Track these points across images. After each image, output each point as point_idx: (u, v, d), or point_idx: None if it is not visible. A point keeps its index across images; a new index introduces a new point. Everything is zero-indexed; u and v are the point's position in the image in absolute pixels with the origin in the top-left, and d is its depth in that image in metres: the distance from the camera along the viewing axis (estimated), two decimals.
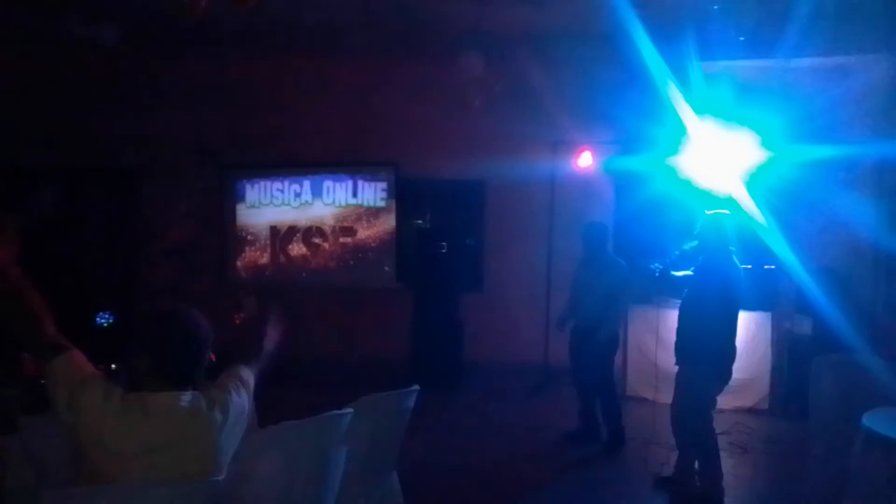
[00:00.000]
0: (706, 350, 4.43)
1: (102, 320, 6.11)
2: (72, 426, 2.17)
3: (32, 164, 8.19)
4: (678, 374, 4.60)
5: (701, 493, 4.54)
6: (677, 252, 4.76)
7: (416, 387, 3.42)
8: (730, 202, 5.59)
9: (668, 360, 5.00)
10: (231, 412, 2.33)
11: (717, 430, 4.80)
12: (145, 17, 6.96)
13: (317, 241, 8.54)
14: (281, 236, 8.59)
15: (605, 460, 5.48)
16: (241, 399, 2.41)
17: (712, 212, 4.70)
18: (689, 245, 4.68)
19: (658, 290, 5.66)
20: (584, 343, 5.65)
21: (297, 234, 8.56)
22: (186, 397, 2.25)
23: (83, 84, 7.62)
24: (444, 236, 8.03)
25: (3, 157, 8.10)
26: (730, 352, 4.48)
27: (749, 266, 4.81)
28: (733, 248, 4.57)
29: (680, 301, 4.73)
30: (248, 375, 2.52)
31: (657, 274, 4.74)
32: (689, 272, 4.68)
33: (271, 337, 2.67)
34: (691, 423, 4.53)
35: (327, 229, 8.52)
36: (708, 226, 4.60)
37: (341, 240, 8.53)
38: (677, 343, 4.62)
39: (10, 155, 8.11)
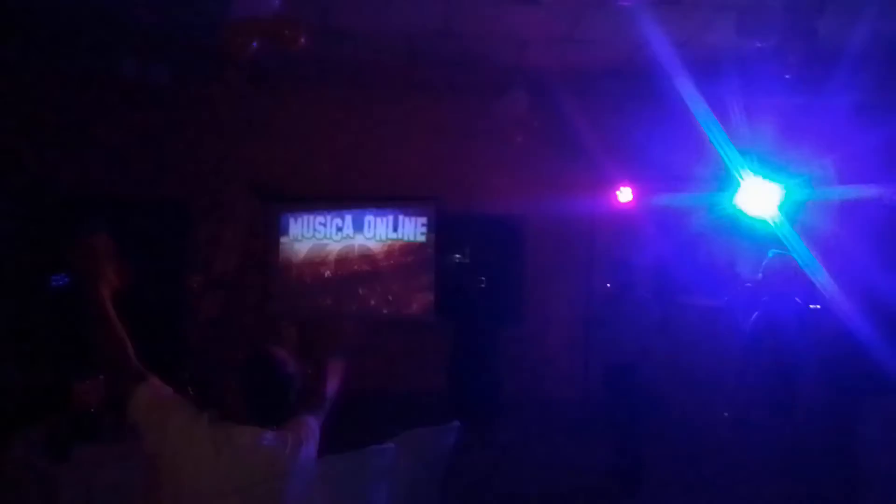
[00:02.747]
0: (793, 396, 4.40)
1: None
2: (156, 453, 2.18)
3: (83, 195, 8.44)
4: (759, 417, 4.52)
5: None
6: (743, 289, 4.74)
7: (457, 423, 3.43)
8: (775, 240, 5.54)
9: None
10: (301, 460, 2.33)
11: None
12: (195, 55, 7.18)
13: (358, 274, 8.62)
14: (322, 270, 8.68)
15: (647, 496, 5.39)
16: (310, 449, 2.41)
17: (778, 252, 4.67)
18: (751, 283, 4.67)
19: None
20: (622, 380, 5.61)
21: (339, 268, 8.65)
22: (269, 436, 2.26)
23: (134, 118, 7.86)
24: (483, 271, 8.05)
25: (54, 188, 8.36)
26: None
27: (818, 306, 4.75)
28: (797, 291, 4.55)
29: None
30: (315, 424, 2.51)
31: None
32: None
33: (333, 384, 2.69)
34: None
35: (368, 263, 8.60)
36: (774, 266, 4.57)
37: (382, 273, 8.59)
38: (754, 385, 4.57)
39: (61, 186, 8.38)
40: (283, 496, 2.26)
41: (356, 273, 8.61)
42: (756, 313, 4.58)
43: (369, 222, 8.61)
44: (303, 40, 5.28)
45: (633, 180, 7.59)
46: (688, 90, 6.17)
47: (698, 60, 6.07)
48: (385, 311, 8.55)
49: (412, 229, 8.54)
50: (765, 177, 5.95)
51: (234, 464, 2.17)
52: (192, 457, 2.14)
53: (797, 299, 4.49)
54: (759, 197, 5.99)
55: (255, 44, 5.22)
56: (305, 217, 8.70)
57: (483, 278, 7.99)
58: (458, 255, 8.61)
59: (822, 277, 5.56)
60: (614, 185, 7.68)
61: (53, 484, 2.96)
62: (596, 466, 5.89)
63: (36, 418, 3.42)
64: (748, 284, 4.67)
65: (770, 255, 4.62)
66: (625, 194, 7.65)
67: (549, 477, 5.93)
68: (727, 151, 6.16)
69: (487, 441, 6.68)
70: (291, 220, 8.72)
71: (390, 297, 8.55)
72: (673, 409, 6.87)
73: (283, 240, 8.71)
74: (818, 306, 5.40)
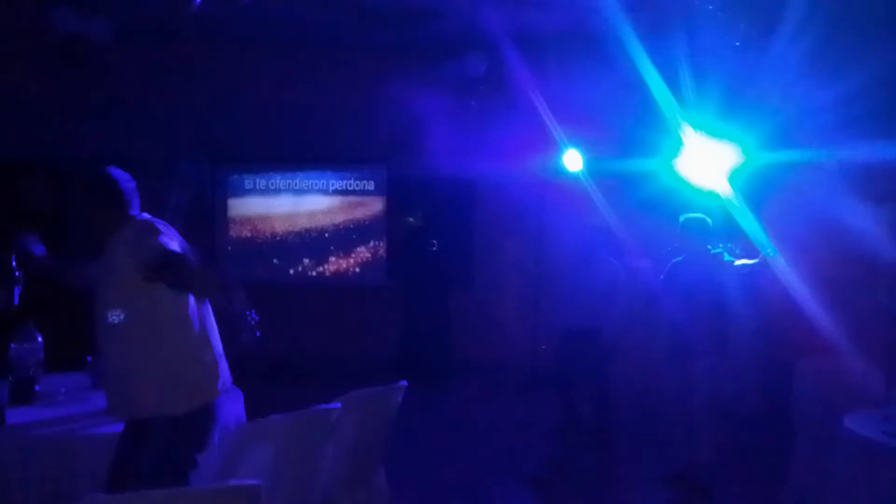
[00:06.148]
0: (706, 348, 4.52)
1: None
2: None
3: (20, 157, 8.15)
4: (689, 369, 4.64)
5: (708, 489, 4.62)
6: (666, 251, 4.84)
7: (404, 383, 3.44)
8: (717, 204, 5.64)
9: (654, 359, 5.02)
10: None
11: None
12: (139, 9, 6.94)
13: (307, 237, 8.54)
14: (271, 232, 8.58)
15: (597, 458, 5.52)
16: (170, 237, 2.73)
17: (692, 216, 4.80)
18: (672, 247, 4.79)
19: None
20: (579, 343, 5.68)
21: (288, 230, 8.57)
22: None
23: (74, 76, 7.58)
24: (434, 234, 8.05)
25: None
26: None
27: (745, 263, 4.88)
28: (715, 249, 4.67)
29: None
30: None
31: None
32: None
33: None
34: (706, 419, 4.60)
35: (318, 225, 8.52)
36: (689, 228, 4.70)
37: (332, 236, 8.53)
38: (677, 342, 4.69)
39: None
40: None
41: (306, 235, 8.53)
42: (665, 271, 4.74)
43: (320, 184, 8.53)
44: None
45: (583, 145, 7.61)
46: (638, 54, 6.19)
47: (649, 24, 6.08)
48: (335, 274, 8.51)
49: (363, 191, 8.49)
50: (711, 141, 6.03)
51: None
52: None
53: (717, 257, 4.62)
54: (705, 161, 6.07)
55: None
56: (254, 178, 8.57)
57: (435, 241, 7.99)
58: (410, 218, 8.56)
59: (763, 240, 5.69)
60: (565, 149, 7.70)
61: None
62: (546, 427, 5.98)
63: None
64: (673, 245, 4.79)
65: (682, 218, 4.77)
66: (575, 158, 7.68)
67: (498, 437, 6.02)
68: (676, 117, 6.22)
69: (438, 402, 6.75)
70: (240, 181, 8.58)
71: (340, 260, 8.51)
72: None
73: (230, 201, 8.57)
74: (756, 260, 5.51)
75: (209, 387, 2.71)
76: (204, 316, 2.76)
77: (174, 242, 2.66)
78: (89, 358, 3.55)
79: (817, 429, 4.01)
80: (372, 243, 8.47)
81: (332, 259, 8.52)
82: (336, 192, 8.54)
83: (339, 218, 8.51)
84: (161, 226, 2.72)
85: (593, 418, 5.75)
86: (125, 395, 2.65)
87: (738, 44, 6.25)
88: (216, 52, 8.18)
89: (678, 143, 6.24)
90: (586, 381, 5.78)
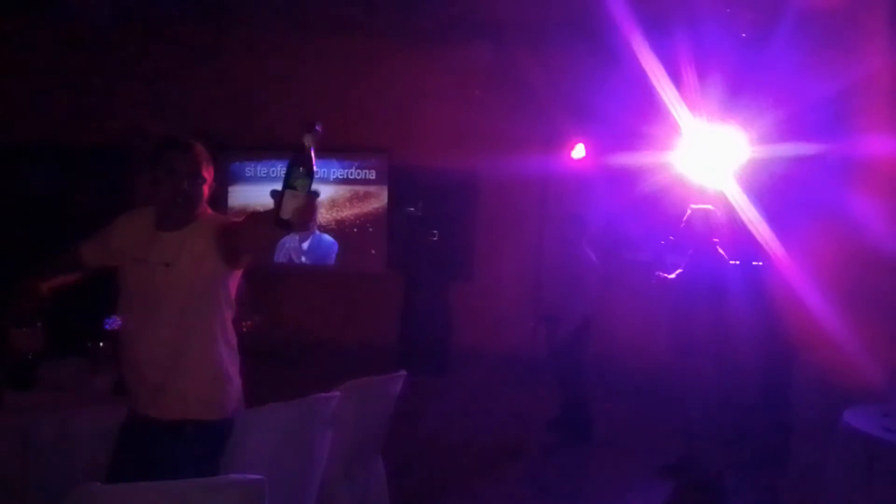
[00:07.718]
0: (707, 341, 4.50)
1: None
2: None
3: (22, 141, 8.13)
4: (687, 365, 4.63)
5: (706, 481, 4.61)
6: (662, 243, 4.81)
7: (403, 372, 3.43)
8: (720, 198, 5.62)
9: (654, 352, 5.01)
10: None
11: None
12: None
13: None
14: None
15: (593, 449, 5.52)
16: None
17: (698, 206, 4.75)
18: (673, 237, 4.75)
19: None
20: (554, 333, 5.69)
21: None
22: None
23: (76, 61, 7.56)
24: (435, 224, 8.03)
25: None
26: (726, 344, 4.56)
27: (737, 261, 4.87)
28: (718, 242, 4.64)
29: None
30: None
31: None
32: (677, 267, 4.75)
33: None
34: (702, 413, 4.58)
35: (318, 214, 8.50)
36: (695, 220, 4.66)
37: (332, 225, 8.52)
38: (679, 335, 4.68)
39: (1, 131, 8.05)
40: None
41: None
42: (682, 266, 4.69)
43: (320, 172, 8.50)
44: None
45: (586, 137, 7.59)
46: (641, 46, 6.16)
47: (652, 16, 6.05)
48: (336, 263, 8.51)
49: (364, 180, 8.48)
50: (713, 135, 6.01)
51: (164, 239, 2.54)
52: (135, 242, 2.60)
53: (721, 251, 4.60)
54: (707, 154, 6.06)
55: None
56: (255, 166, 8.56)
57: (435, 232, 7.98)
58: (411, 208, 8.55)
59: (765, 235, 5.68)
60: (568, 141, 7.68)
61: None
62: (543, 419, 5.98)
63: None
64: (671, 237, 4.74)
65: (690, 209, 4.71)
66: (578, 151, 7.66)
67: (496, 428, 6.02)
68: (678, 110, 6.20)
69: (436, 392, 6.74)
70: (240, 169, 8.57)
71: (341, 248, 8.50)
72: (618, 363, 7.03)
73: (231, 188, 8.56)
74: (760, 263, 5.50)
75: (238, 398, 2.62)
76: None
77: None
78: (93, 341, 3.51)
79: (816, 422, 4.01)
80: (373, 232, 8.46)
81: (332, 248, 8.52)
82: (337, 180, 8.51)
83: (340, 206, 8.50)
84: None
85: (569, 408, 5.72)
86: (167, 394, 2.46)
87: (743, 35, 6.21)
88: (218, 38, 8.15)
89: (681, 136, 6.23)
90: (561, 370, 5.76)
